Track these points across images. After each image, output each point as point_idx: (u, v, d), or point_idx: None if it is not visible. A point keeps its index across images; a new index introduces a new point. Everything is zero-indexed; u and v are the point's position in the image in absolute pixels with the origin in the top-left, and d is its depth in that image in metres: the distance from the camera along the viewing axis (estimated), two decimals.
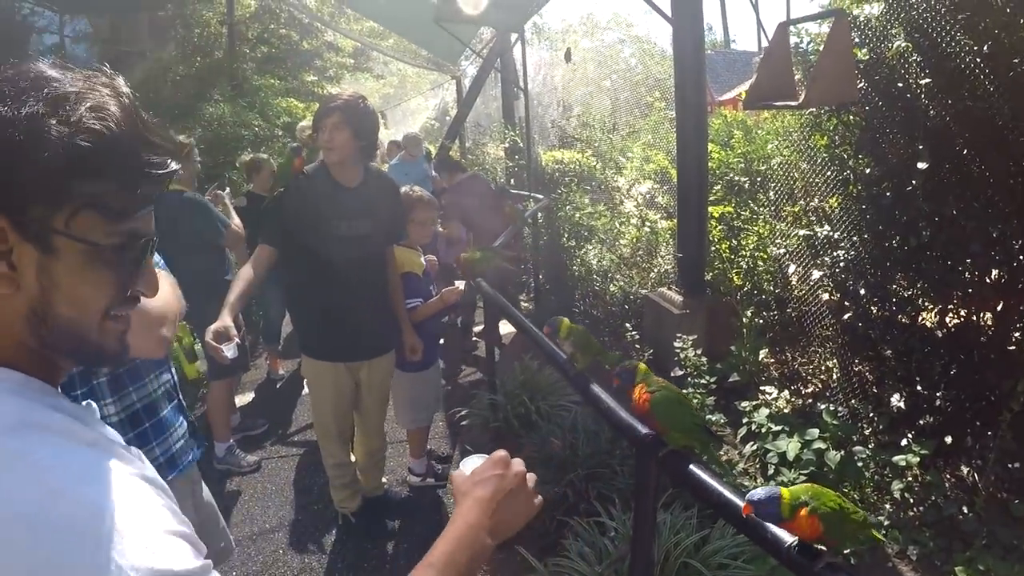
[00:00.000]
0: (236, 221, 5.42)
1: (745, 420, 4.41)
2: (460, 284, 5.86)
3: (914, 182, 4.23)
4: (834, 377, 5.00)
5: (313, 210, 3.90)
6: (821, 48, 4.53)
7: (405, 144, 9.98)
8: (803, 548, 1.75)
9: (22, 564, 0.83)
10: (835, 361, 5.05)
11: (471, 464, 1.49)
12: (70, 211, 0.98)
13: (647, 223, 7.32)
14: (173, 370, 2.73)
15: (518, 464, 1.44)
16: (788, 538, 1.77)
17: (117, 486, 0.93)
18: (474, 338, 8.17)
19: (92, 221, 1.00)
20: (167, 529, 0.94)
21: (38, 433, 0.94)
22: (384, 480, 4.94)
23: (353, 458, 4.62)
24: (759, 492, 1.78)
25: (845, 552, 3.39)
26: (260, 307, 7.41)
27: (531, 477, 1.45)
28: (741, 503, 1.81)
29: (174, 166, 1.08)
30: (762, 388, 4.85)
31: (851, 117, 4.83)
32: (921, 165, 4.12)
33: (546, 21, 31.50)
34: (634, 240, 7.42)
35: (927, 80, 4.24)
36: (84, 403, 1.15)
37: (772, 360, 5.54)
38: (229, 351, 3.19)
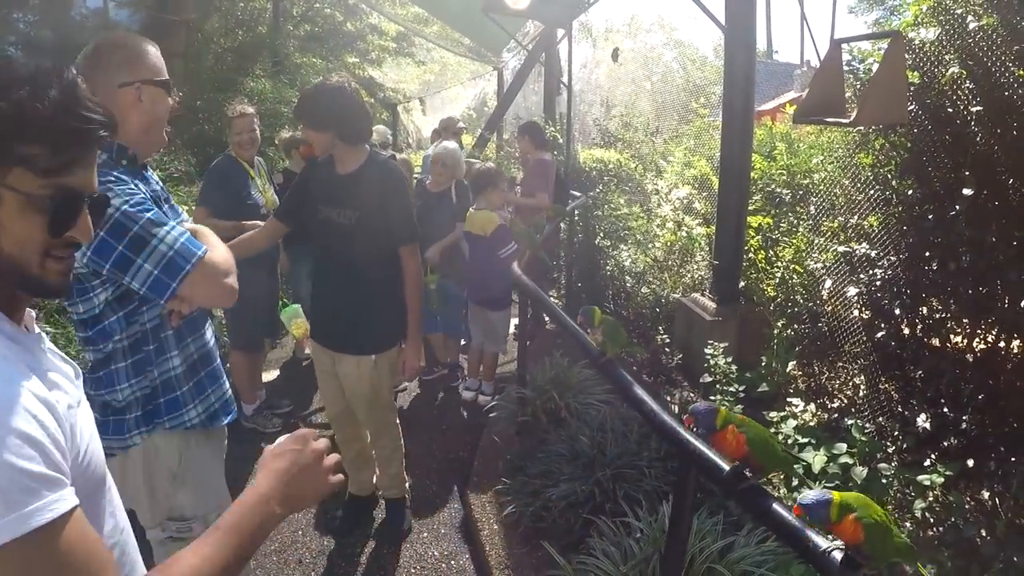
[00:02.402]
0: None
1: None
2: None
3: (957, 207, 4.25)
4: (861, 394, 5.02)
5: (306, 193, 4.02)
6: (874, 68, 4.55)
7: (442, 127, 10.05)
8: (846, 561, 1.82)
9: None
10: (863, 378, 5.07)
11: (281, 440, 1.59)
12: (6, 168, 1.23)
13: (684, 228, 7.35)
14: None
15: (319, 443, 1.55)
16: (828, 545, 1.85)
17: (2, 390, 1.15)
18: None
19: (26, 176, 1.25)
20: (34, 435, 1.13)
21: None
22: (375, 483, 4.76)
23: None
24: (811, 495, 1.87)
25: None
26: (289, 284, 7.43)
27: (333, 457, 1.56)
28: (763, 496, 1.99)
29: (103, 133, 1.33)
30: (789, 400, 4.87)
31: (898, 138, 4.84)
32: (966, 191, 4.14)
33: (591, 19, 31.30)
34: (669, 244, 7.45)
35: (978, 108, 4.26)
36: (36, 332, 1.39)
37: (800, 373, 5.57)
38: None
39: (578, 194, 9.10)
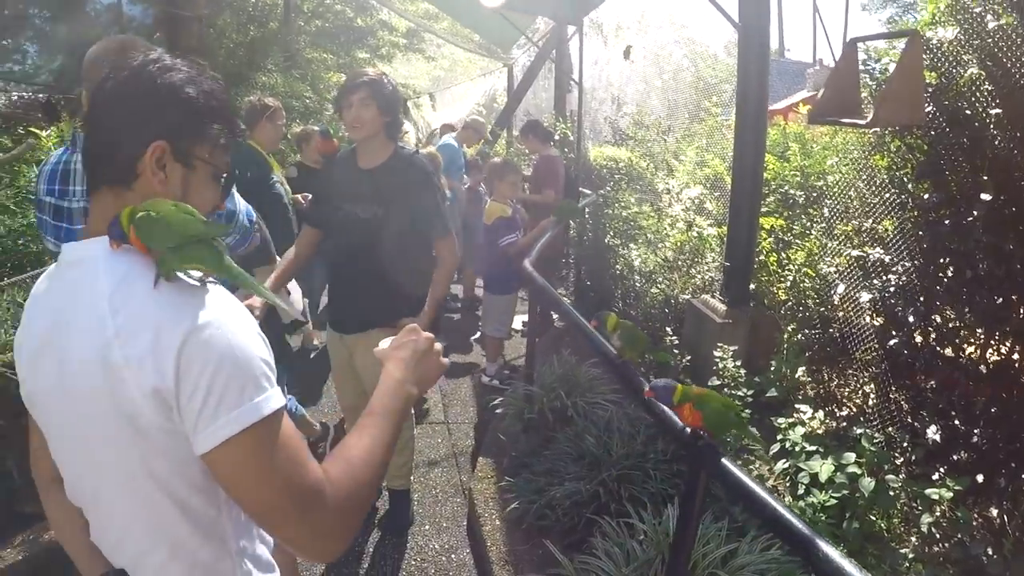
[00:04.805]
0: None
1: (780, 437, 4.37)
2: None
3: (975, 213, 4.17)
4: (870, 402, 4.94)
5: (327, 190, 4.09)
6: (890, 68, 4.47)
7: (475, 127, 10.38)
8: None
9: (221, 345, 1.33)
10: (873, 386, 4.98)
11: (389, 341, 1.84)
12: (210, 144, 1.56)
13: (695, 228, 7.27)
14: None
15: (426, 333, 1.82)
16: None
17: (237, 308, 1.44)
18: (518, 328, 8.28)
19: (218, 153, 1.59)
20: (264, 339, 1.45)
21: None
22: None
23: None
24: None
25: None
26: (302, 277, 7.44)
27: (438, 344, 1.83)
28: (772, 502, 2.10)
29: (244, 128, 1.71)
30: (797, 407, 4.80)
31: (914, 140, 4.76)
32: (984, 196, 4.06)
33: (602, 16, 31.09)
34: (679, 244, 7.38)
35: (997, 110, 4.17)
36: None
37: (809, 379, 5.48)
38: None
39: (588, 192, 9.07)
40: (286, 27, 16.66)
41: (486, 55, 20.10)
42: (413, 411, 4.56)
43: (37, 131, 7.47)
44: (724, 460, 2.28)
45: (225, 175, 1.64)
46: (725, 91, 22.75)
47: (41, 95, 13.20)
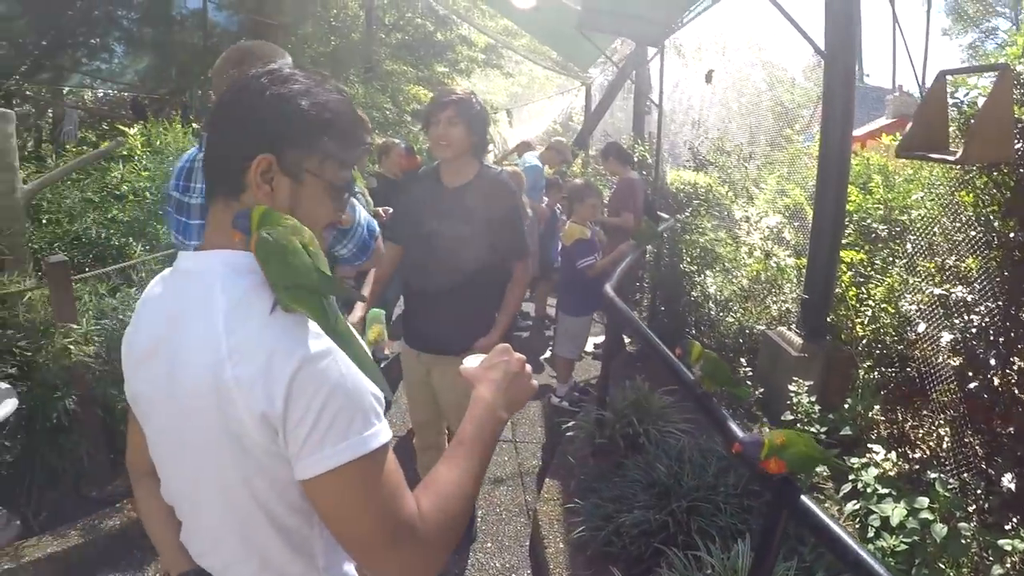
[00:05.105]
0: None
1: (851, 478, 4.29)
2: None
3: None
4: (944, 446, 4.82)
5: (409, 208, 4.12)
6: (980, 101, 4.39)
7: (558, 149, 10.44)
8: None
9: (334, 376, 1.34)
10: (948, 429, 4.87)
11: (478, 359, 1.79)
12: (321, 157, 1.50)
13: (773, 258, 7.18)
14: None
15: (518, 355, 1.75)
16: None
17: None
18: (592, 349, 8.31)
19: (331, 167, 1.53)
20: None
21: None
22: None
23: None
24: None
25: None
26: None
27: (529, 367, 1.75)
28: (855, 546, 2.11)
29: (369, 140, 1.65)
30: (870, 446, 4.71)
31: (1001, 176, 4.65)
32: None
33: (681, 38, 30.85)
34: (756, 273, 7.29)
35: None
36: None
37: (883, 418, 5.37)
38: None
39: (666, 216, 9.03)
40: (367, 38, 16.91)
41: (564, 73, 20.18)
42: None
43: (124, 128, 7.72)
44: (806, 499, 2.28)
45: (345, 191, 1.60)
46: (803, 116, 22.39)
47: (127, 93, 13.59)
